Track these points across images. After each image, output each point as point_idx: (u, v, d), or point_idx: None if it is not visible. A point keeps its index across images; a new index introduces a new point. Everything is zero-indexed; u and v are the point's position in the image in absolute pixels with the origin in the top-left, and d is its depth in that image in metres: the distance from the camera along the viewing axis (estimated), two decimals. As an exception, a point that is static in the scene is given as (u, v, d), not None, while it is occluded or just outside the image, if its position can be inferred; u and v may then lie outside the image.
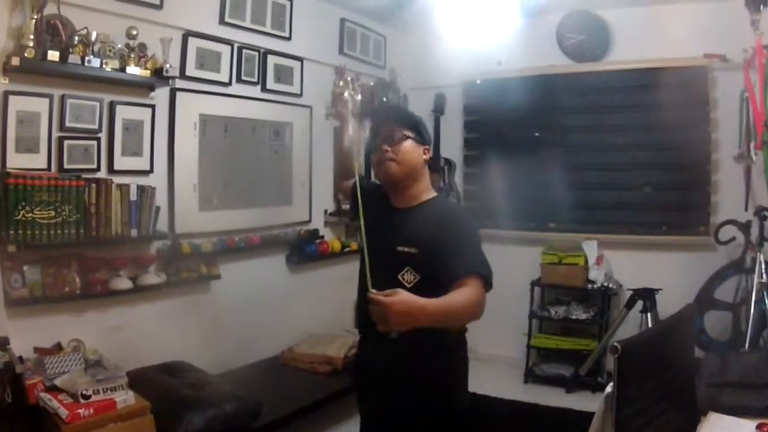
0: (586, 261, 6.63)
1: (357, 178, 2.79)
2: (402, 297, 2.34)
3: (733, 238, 5.90)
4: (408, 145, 2.91)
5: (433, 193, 3.06)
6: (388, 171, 2.92)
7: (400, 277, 2.79)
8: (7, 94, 3.81)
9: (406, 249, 2.80)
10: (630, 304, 5.93)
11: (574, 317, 6.60)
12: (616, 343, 2.39)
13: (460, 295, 2.54)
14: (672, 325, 2.99)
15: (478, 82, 7.33)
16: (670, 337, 2.88)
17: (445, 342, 2.92)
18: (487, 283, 2.68)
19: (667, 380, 2.73)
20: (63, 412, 3.43)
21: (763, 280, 5.34)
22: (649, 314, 5.74)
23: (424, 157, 3.00)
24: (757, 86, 5.45)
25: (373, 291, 2.35)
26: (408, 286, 2.75)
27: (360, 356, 3.27)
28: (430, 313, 2.41)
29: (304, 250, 6.02)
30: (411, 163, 2.93)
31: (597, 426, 2.69)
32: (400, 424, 2.96)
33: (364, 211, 2.78)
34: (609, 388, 2.55)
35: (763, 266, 5.39)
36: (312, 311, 6.01)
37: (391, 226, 2.90)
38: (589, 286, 6.57)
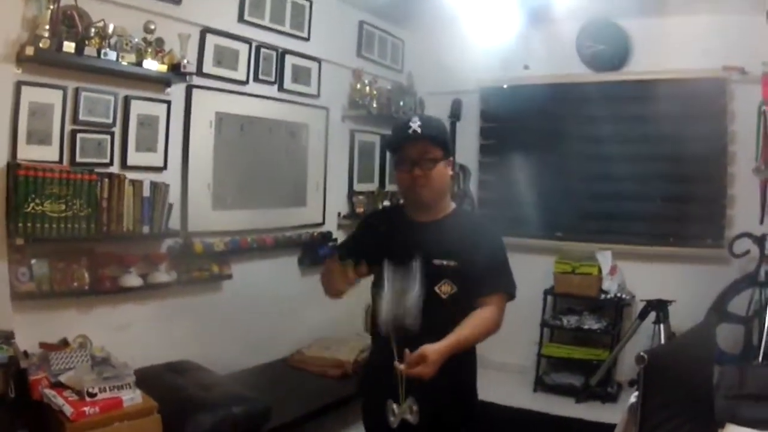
0: (600, 271, 6.57)
1: None
2: (431, 349, 2.54)
3: (748, 251, 5.87)
4: (439, 167, 2.84)
5: (452, 204, 3.05)
6: (419, 197, 2.87)
7: (437, 289, 2.77)
8: (19, 84, 3.76)
9: (445, 262, 2.78)
10: (643, 315, 5.86)
11: (586, 327, 6.53)
12: (642, 353, 2.37)
13: (483, 316, 2.71)
14: (694, 337, 2.97)
15: (505, 87, 7.26)
16: (692, 348, 2.86)
17: (464, 359, 2.94)
18: (511, 298, 2.86)
19: (688, 392, 2.71)
20: (68, 410, 3.38)
21: (778, 294, 5.30)
22: (661, 326, 5.67)
23: (450, 173, 2.95)
24: (776, 100, 5.41)
25: (400, 366, 2.55)
26: (444, 297, 2.78)
27: (370, 368, 3.21)
28: (460, 346, 2.61)
29: (316, 252, 5.98)
30: (442, 186, 2.89)
31: (619, 437, 2.65)
32: None
33: (375, 234, 2.92)
34: (633, 398, 2.52)
35: (778, 280, 5.33)
36: (323, 314, 5.94)
37: (421, 240, 2.83)
38: (602, 296, 6.53)
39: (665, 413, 2.50)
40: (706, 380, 2.99)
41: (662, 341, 5.47)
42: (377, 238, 2.97)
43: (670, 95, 6.32)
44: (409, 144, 2.82)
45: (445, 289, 2.77)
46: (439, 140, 2.85)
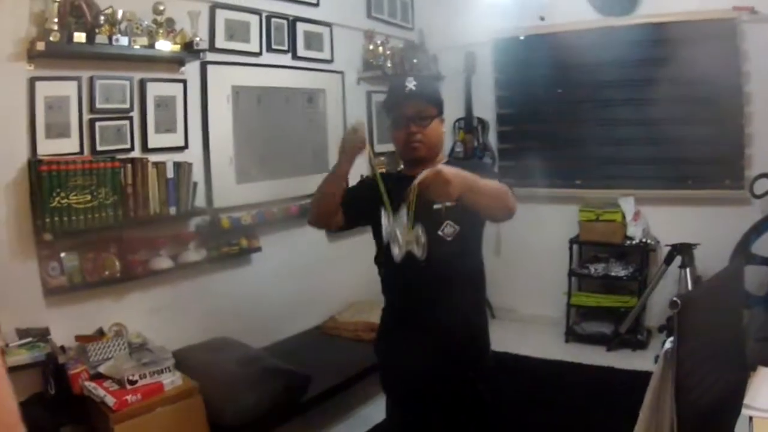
0: (624, 217, 6.57)
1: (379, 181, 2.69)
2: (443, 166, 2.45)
3: (768, 192, 5.83)
4: (434, 124, 2.93)
5: (445, 158, 3.11)
6: (415, 153, 2.91)
7: (440, 232, 2.80)
8: (33, 80, 3.76)
9: (446, 203, 2.76)
10: (669, 260, 5.84)
11: (613, 274, 6.56)
12: (676, 298, 2.36)
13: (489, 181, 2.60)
14: (724, 280, 2.97)
15: (522, 38, 7.19)
16: (722, 292, 2.86)
17: (474, 302, 3.06)
18: (511, 188, 2.72)
19: (721, 335, 2.72)
20: (110, 400, 3.44)
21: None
22: (687, 270, 5.64)
23: (443, 130, 3.05)
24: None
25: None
26: (448, 239, 2.81)
27: (382, 330, 3.25)
28: (472, 176, 2.48)
29: (343, 216, 5.95)
30: (437, 142, 2.98)
31: (656, 382, 2.66)
32: (435, 391, 2.95)
33: (373, 204, 2.77)
34: (668, 344, 2.52)
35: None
36: (352, 278, 6.00)
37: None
38: (627, 242, 6.55)
39: (699, 357, 2.51)
40: (736, 323, 2.99)
41: (689, 285, 5.46)
42: (374, 193, 2.90)
43: (681, 37, 6.26)
44: (406, 103, 2.90)
45: (448, 231, 2.81)
46: (433, 99, 2.95)
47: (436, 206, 2.76)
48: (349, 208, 3.03)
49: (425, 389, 2.96)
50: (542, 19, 6.90)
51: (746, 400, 2.71)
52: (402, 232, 2.52)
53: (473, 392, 2.95)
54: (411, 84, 2.90)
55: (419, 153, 2.89)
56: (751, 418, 2.61)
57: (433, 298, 2.86)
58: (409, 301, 2.96)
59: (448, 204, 2.75)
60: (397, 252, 2.53)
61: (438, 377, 2.90)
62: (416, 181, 2.40)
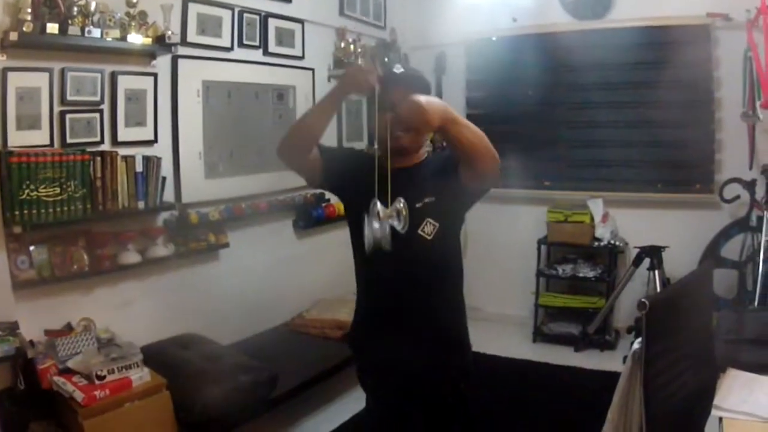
0: (592, 219, 6.61)
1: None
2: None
3: (738, 197, 5.92)
4: None
5: (426, 151, 3.02)
6: (399, 142, 2.80)
7: (420, 231, 2.75)
8: (5, 71, 3.71)
9: (425, 201, 2.76)
10: (637, 262, 5.85)
11: (581, 275, 6.61)
12: (644, 299, 2.38)
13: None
14: (693, 282, 2.99)
15: (494, 39, 7.24)
16: (691, 294, 2.88)
17: (455, 300, 3.01)
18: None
19: (690, 337, 2.74)
20: (78, 395, 3.41)
21: (771, 239, 5.33)
22: (656, 272, 5.68)
23: None
24: (761, 46, 5.40)
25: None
26: (429, 238, 2.76)
27: (361, 329, 3.15)
28: (451, 108, 2.47)
29: (310, 214, 5.98)
30: (422, 134, 2.90)
31: (624, 383, 2.68)
32: (419, 390, 2.93)
33: (355, 179, 2.76)
34: (636, 345, 2.54)
35: (770, 225, 5.37)
36: (320, 276, 6.01)
37: (398, 186, 2.66)
38: (596, 243, 6.59)
39: (668, 359, 2.53)
40: (705, 325, 3.01)
41: (657, 287, 5.50)
42: (356, 176, 2.84)
43: (655, 42, 6.36)
44: (393, 88, 2.78)
45: (428, 229, 2.76)
46: (420, 89, 2.80)
47: (417, 205, 2.72)
48: (331, 172, 2.94)
49: (407, 386, 2.93)
50: (515, 20, 6.92)
51: (716, 401, 2.74)
52: (382, 209, 2.41)
53: (456, 390, 2.94)
54: (399, 71, 2.86)
55: (404, 142, 2.80)
56: (721, 419, 2.64)
57: (416, 298, 2.83)
58: (391, 298, 2.89)
59: (428, 200, 2.75)
60: (376, 227, 2.41)
61: (420, 376, 2.88)
62: (390, 115, 2.43)
